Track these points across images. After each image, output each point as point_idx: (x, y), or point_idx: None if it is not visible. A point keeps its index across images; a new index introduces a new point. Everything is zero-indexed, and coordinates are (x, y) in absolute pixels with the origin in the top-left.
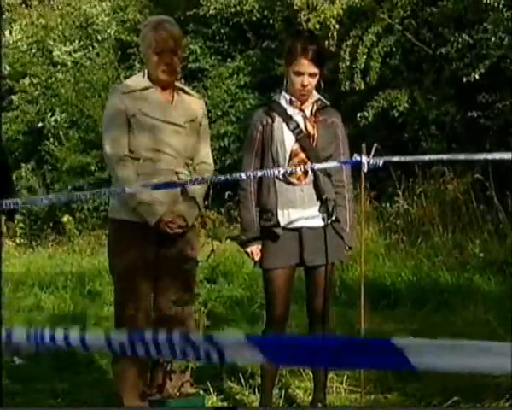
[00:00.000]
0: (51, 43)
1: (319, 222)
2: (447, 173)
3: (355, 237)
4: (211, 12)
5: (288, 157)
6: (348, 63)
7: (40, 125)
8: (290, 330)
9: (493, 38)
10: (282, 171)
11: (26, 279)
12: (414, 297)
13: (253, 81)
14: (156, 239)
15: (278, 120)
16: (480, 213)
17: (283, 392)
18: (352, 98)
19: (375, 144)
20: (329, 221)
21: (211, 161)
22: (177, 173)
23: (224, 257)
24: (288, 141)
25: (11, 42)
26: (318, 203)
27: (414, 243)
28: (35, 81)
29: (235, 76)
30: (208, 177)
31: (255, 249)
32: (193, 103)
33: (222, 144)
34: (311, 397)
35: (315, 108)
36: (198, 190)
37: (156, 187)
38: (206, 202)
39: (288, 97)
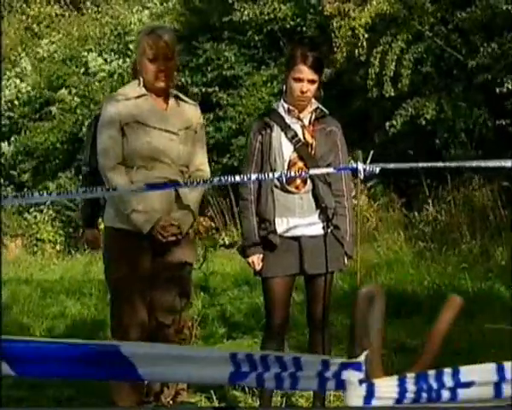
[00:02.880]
0: (87, 53)
1: (319, 230)
2: (475, 180)
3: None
4: (244, 18)
5: (286, 166)
6: (378, 70)
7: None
8: (293, 337)
9: None
10: (276, 175)
11: (55, 286)
12: (434, 305)
13: None
14: (151, 247)
15: (276, 129)
16: (507, 220)
17: (284, 399)
18: (383, 105)
19: (372, 151)
20: (329, 230)
21: (207, 168)
22: (171, 181)
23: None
24: (286, 150)
25: (47, 55)
26: (318, 211)
27: (441, 250)
28: (73, 91)
29: (269, 84)
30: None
31: (256, 259)
32: (188, 110)
33: None
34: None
35: (313, 116)
36: (193, 198)
37: (152, 188)
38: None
39: (286, 106)
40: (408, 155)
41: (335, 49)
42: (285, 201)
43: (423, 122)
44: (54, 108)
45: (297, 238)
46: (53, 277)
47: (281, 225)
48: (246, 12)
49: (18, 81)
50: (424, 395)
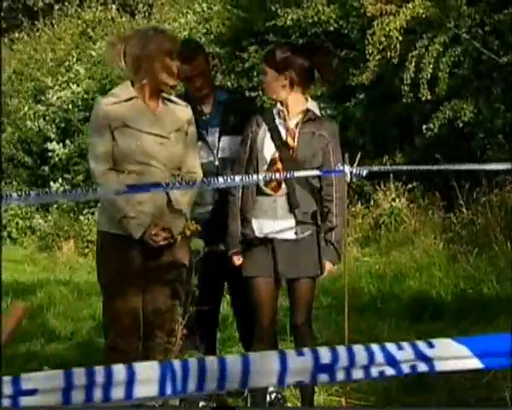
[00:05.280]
0: None
1: (291, 235)
2: (509, 182)
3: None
4: (288, 23)
5: (266, 167)
6: (413, 74)
7: None
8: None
9: None
10: (261, 177)
11: (93, 289)
12: (457, 309)
13: (329, 91)
14: (142, 251)
15: (263, 128)
16: None
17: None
18: (423, 108)
19: (360, 153)
20: (306, 234)
21: (199, 170)
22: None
23: None
24: (267, 150)
25: (97, 60)
26: (292, 215)
27: (475, 253)
28: None
29: (312, 86)
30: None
31: (235, 257)
32: (179, 112)
33: None
34: None
35: (303, 118)
36: (184, 202)
37: (135, 189)
38: None
39: (279, 108)
40: (444, 158)
41: (368, 55)
42: (260, 202)
43: (461, 125)
44: None
45: (270, 241)
46: (93, 279)
47: (256, 227)
48: (290, 16)
49: (73, 85)
50: None
